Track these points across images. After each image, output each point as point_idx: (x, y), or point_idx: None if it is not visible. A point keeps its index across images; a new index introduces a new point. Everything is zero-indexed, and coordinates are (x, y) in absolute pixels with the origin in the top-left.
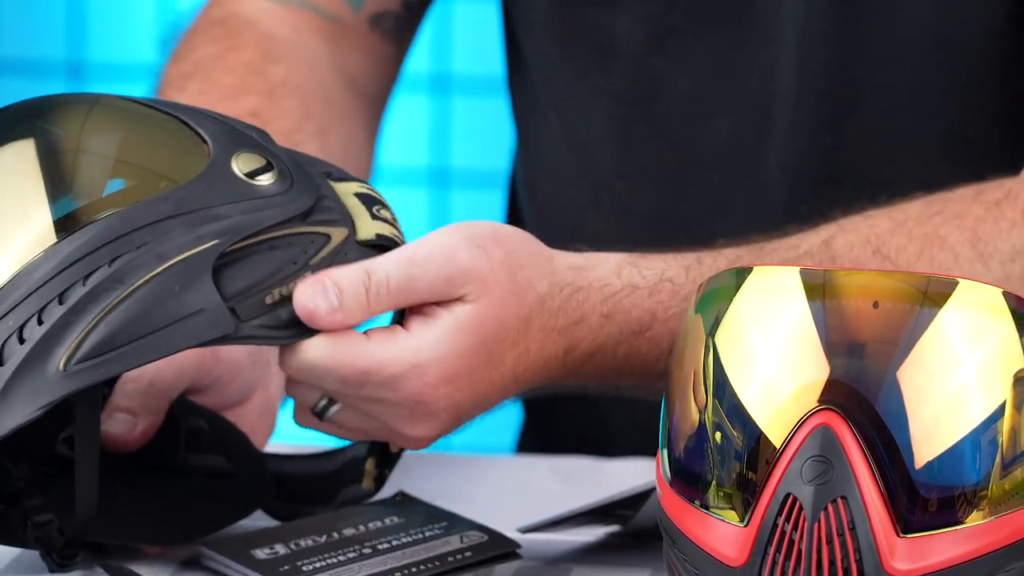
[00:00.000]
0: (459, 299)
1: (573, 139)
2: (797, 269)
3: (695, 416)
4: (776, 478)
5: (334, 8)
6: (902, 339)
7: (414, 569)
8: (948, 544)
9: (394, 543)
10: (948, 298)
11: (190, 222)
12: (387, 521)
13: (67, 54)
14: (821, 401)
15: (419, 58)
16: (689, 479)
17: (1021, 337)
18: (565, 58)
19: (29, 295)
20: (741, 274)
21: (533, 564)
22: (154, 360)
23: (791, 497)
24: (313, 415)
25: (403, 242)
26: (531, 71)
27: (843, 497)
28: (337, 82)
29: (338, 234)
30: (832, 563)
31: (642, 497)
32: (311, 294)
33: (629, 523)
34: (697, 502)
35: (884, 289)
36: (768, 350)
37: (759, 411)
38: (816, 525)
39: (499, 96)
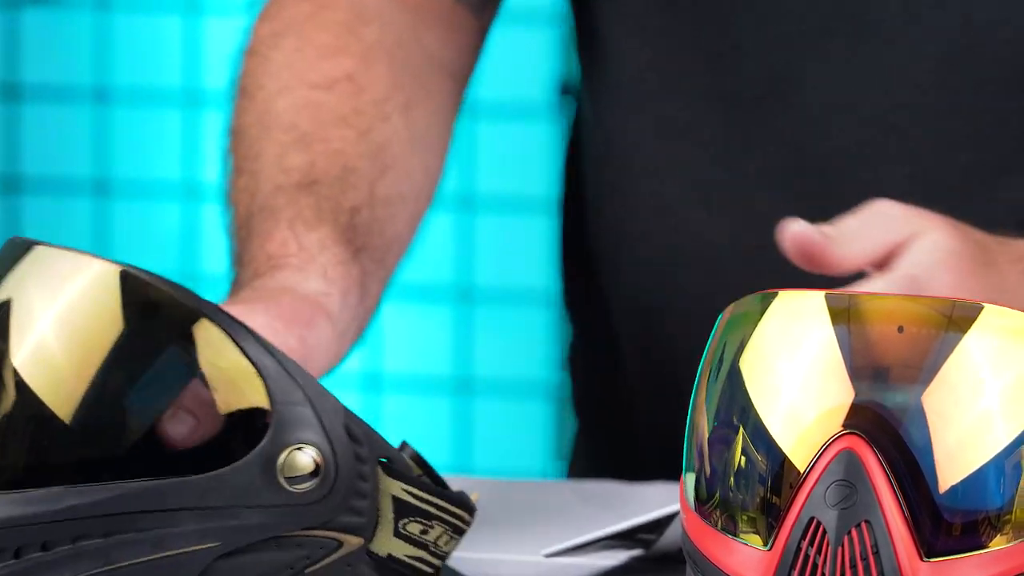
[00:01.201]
0: (917, 233)
1: (673, 137)
2: (822, 294)
3: (719, 440)
4: (800, 502)
5: None
6: (927, 364)
7: None
8: (972, 568)
9: None
10: (973, 322)
11: (205, 516)
12: None
13: (94, 79)
14: (845, 425)
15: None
16: (712, 503)
17: None
18: (669, 54)
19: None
20: (767, 298)
21: None
22: None
23: (815, 521)
24: None
25: (427, 569)
26: (617, 69)
27: (867, 521)
28: (421, 54)
29: (352, 542)
30: None
31: (665, 521)
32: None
33: (652, 547)
34: (720, 526)
35: (909, 313)
36: (792, 374)
37: (783, 435)
38: (840, 549)
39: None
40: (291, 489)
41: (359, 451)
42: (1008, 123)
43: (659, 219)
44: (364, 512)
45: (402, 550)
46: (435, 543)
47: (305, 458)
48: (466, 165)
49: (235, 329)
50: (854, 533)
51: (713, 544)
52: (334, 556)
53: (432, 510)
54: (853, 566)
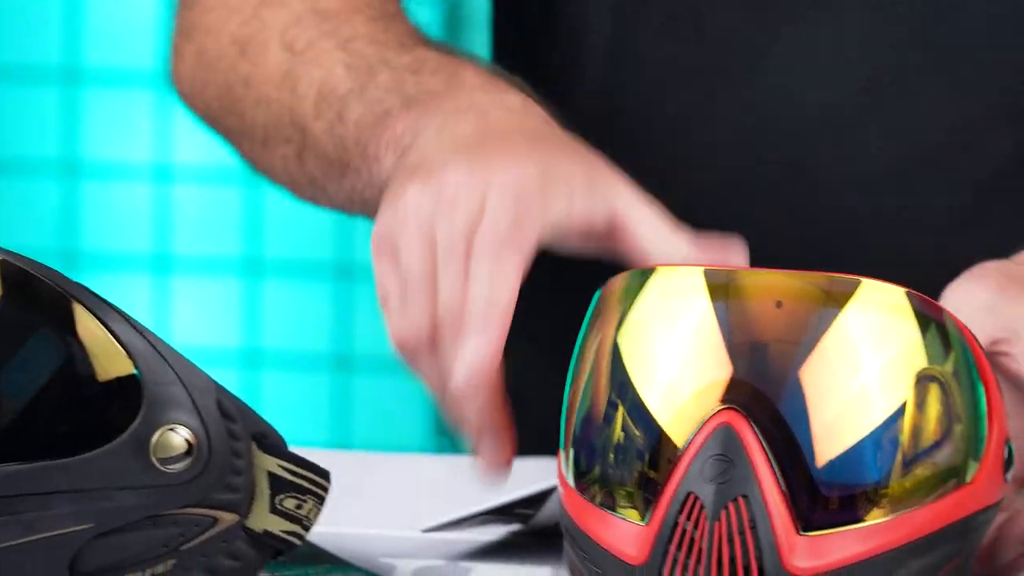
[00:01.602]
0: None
1: (633, 106)
2: (701, 269)
3: (597, 416)
4: (677, 477)
5: None
6: (804, 339)
7: None
8: (848, 542)
9: (275, 573)
10: (851, 298)
11: (79, 499)
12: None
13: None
14: (723, 401)
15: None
16: (591, 479)
17: (924, 337)
18: (630, 28)
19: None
20: (645, 274)
21: (434, 564)
22: None
23: (692, 496)
24: None
25: (298, 543)
26: (574, 44)
27: (744, 496)
28: None
29: (227, 519)
30: (732, 561)
31: (543, 496)
32: None
33: (530, 522)
34: (599, 501)
35: (787, 289)
36: (671, 350)
37: (661, 411)
38: (717, 524)
39: None
40: (164, 469)
41: (232, 428)
42: (987, 80)
43: None
44: (239, 489)
45: (278, 525)
46: (307, 516)
47: (178, 438)
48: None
49: (103, 310)
50: (731, 507)
51: (591, 520)
52: (210, 533)
53: (305, 484)
54: (730, 540)
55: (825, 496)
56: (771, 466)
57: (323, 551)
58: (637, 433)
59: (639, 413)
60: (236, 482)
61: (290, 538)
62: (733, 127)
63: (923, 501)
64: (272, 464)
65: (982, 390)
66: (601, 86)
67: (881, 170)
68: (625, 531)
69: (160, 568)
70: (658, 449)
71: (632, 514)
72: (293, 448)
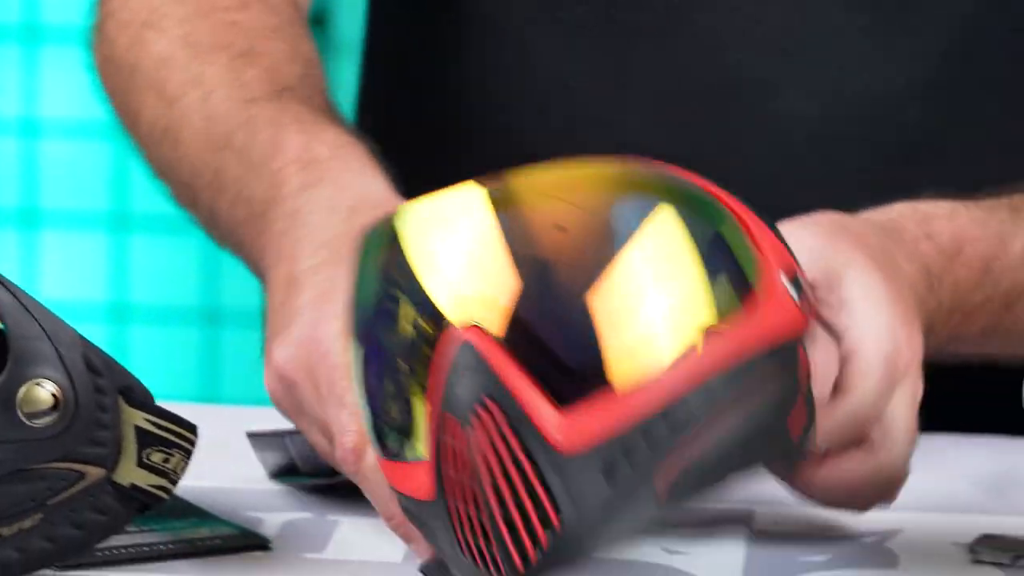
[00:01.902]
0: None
1: (540, 72)
2: (485, 190)
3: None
4: (434, 403)
5: None
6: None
7: (160, 547)
8: (606, 414)
9: (142, 528)
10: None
11: None
12: None
13: None
14: (460, 323)
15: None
16: (380, 435)
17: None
18: None
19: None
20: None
21: (302, 517)
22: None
23: (447, 415)
24: None
25: (165, 497)
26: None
27: (490, 396)
28: None
29: (93, 473)
30: (502, 463)
31: None
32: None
33: None
34: (386, 454)
35: (567, 213)
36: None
37: (410, 352)
38: (473, 431)
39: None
40: (31, 424)
41: (99, 382)
42: (922, 44)
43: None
44: (106, 443)
45: (145, 479)
46: (174, 470)
47: (44, 392)
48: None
49: None
50: (481, 412)
51: (395, 477)
52: (76, 488)
53: (172, 438)
54: (493, 444)
55: (579, 373)
56: (522, 372)
57: (191, 505)
58: (404, 370)
59: (403, 353)
60: (103, 436)
61: (157, 492)
62: (651, 89)
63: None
64: (139, 418)
65: (738, 237)
66: (518, 48)
67: (800, 134)
68: (416, 471)
69: (27, 523)
70: (419, 382)
71: (412, 454)
72: (161, 402)
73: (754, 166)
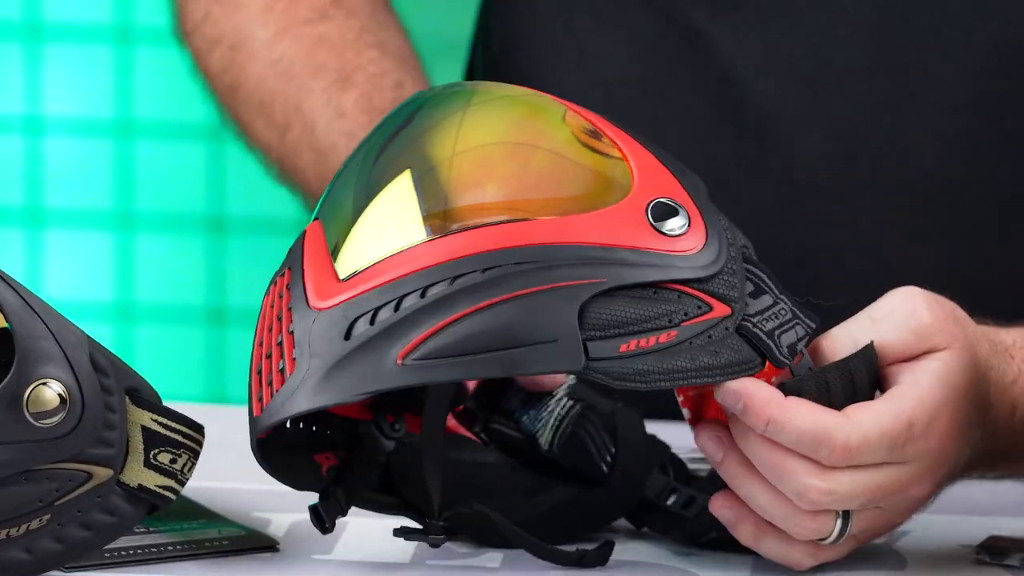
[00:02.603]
0: (927, 353)
1: (594, 76)
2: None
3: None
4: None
5: None
6: None
7: (168, 549)
8: (355, 284)
9: (150, 529)
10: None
11: None
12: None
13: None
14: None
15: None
16: None
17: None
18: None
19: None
20: None
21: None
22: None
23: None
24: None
25: (172, 497)
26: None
27: (291, 268)
28: None
29: (101, 474)
30: (276, 314)
31: None
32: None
33: None
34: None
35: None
36: None
37: None
38: (271, 290)
39: None
40: (38, 424)
41: (105, 382)
42: (944, 93)
43: None
44: (113, 443)
45: (153, 480)
46: (181, 471)
47: (50, 392)
48: None
49: None
50: (280, 279)
51: None
52: (84, 488)
53: (180, 438)
54: (273, 301)
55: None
56: (325, 247)
57: (199, 506)
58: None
59: None
60: (110, 436)
61: (165, 492)
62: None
63: (465, 226)
64: (146, 418)
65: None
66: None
67: (824, 172)
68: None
69: (35, 524)
70: None
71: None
72: (167, 402)
73: (776, 198)
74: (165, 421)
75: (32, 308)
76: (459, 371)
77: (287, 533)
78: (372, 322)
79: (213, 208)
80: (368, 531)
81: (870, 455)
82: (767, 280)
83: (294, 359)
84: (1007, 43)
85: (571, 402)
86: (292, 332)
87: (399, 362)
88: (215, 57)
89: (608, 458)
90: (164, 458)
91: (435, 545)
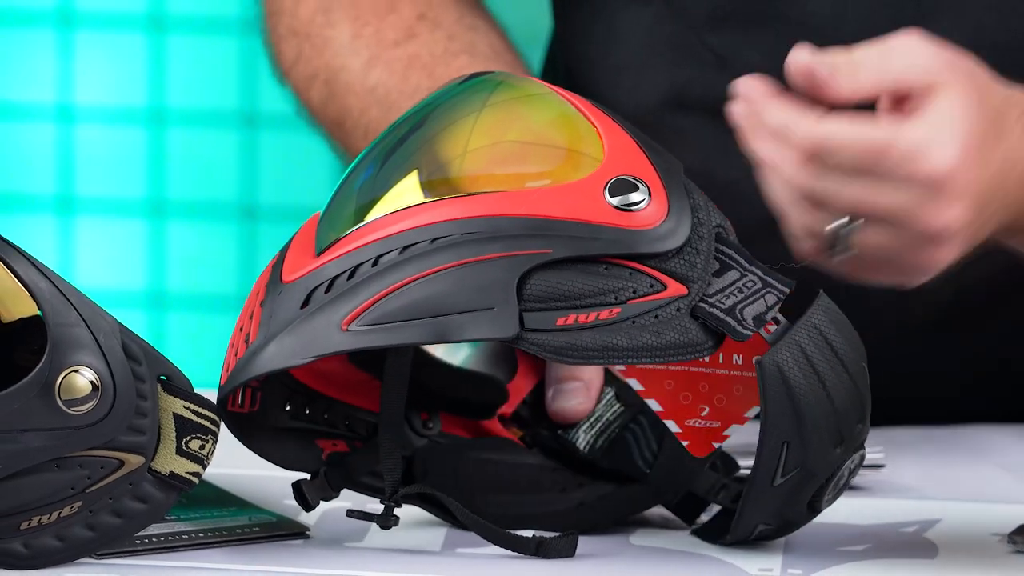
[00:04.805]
0: (937, 84)
1: (622, 67)
2: None
3: None
4: None
5: None
6: None
7: (199, 536)
8: (315, 261)
9: (181, 516)
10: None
11: None
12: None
13: None
14: None
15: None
16: None
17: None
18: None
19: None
20: None
21: (341, 506)
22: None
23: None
24: (829, 251)
25: (196, 482)
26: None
27: (280, 252)
28: None
29: (133, 461)
30: (257, 292)
31: None
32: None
33: None
34: None
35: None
36: None
37: None
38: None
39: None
40: (70, 411)
41: (137, 369)
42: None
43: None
44: (145, 431)
45: (184, 467)
46: (207, 456)
47: (82, 380)
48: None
49: (7, 252)
50: (269, 267)
51: None
52: (115, 475)
53: (208, 424)
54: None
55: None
56: (311, 234)
57: (229, 493)
58: None
59: None
60: (142, 424)
61: (192, 478)
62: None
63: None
64: (178, 406)
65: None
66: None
67: None
68: None
69: (66, 511)
70: None
71: None
72: (199, 390)
73: None
74: (196, 408)
75: (64, 295)
76: (394, 336)
77: (319, 520)
78: (328, 290)
79: (245, 196)
80: (400, 519)
81: (834, 157)
82: (736, 256)
83: (259, 329)
84: None
85: (620, 406)
86: (262, 305)
87: (344, 328)
88: (314, 93)
89: (649, 457)
90: (195, 445)
91: (385, 527)
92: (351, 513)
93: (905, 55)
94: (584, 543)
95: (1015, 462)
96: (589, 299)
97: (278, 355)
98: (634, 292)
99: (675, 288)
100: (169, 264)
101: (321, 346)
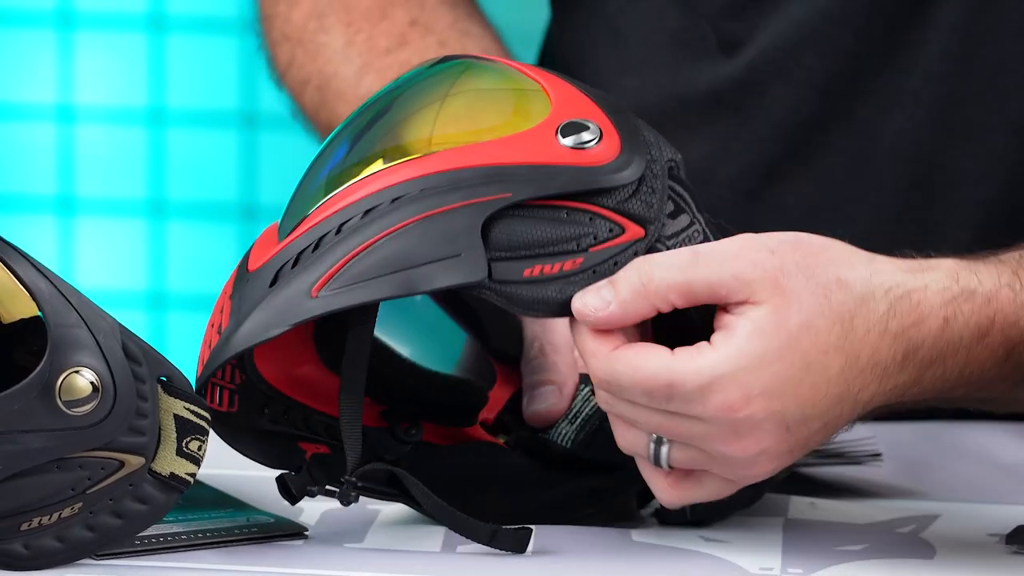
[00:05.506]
0: (746, 302)
1: (632, 75)
2: None
3: None
4: None
5: None
6: None
7: (198, 537)
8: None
9: (179, 518)
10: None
11: None
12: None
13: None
14: None
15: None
16: None
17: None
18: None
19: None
20: None
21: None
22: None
23: None
24: (647, 460)
25: (192, 481)
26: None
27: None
28: None
29: (133, 462)
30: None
31: None
32: (583, 296)
33: None
34: None
35: None
36: None
37: None
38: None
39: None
40: (71, 412)
41: (137, 370)
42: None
43: None
44: (145, 432)
45: (184, 468)
46: (203, 456)
47: (83, 380)
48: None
49: (7, 252)
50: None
51: None
52: (115, 476)
53: (205, 425)
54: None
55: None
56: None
57: (228, 496)
58: None
59: None
60: (142, 425)
61: (189, 478)
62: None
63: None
64: (178, 407)
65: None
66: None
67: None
68: None
69: (67, 512)
70: None
71: None
72: None
73: (793, 196)
74: (196, 409)
75: (64, 296)
76: (364, 293)
77: (318, 521)
78: (295, 265)
79: (245, 197)
80: (399, 518)
81: (624, 393)
82: (687, 198)
83: (230, 318)
84: None
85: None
86: (231, 298)
87: (314, 295)
88: (307, 98)
89: None
90: (194, 446)
91: (345, 503)
92: (309, 492)
93: (720, 263)
94: (586, 540)
95: (1014, 462)
96: (553, 247)
97: (253, 331)
98: (595, 239)
99: (633, 231)
100: (169, 264)
101: (294, 315)
